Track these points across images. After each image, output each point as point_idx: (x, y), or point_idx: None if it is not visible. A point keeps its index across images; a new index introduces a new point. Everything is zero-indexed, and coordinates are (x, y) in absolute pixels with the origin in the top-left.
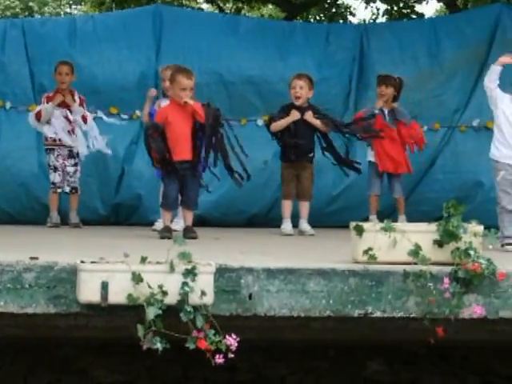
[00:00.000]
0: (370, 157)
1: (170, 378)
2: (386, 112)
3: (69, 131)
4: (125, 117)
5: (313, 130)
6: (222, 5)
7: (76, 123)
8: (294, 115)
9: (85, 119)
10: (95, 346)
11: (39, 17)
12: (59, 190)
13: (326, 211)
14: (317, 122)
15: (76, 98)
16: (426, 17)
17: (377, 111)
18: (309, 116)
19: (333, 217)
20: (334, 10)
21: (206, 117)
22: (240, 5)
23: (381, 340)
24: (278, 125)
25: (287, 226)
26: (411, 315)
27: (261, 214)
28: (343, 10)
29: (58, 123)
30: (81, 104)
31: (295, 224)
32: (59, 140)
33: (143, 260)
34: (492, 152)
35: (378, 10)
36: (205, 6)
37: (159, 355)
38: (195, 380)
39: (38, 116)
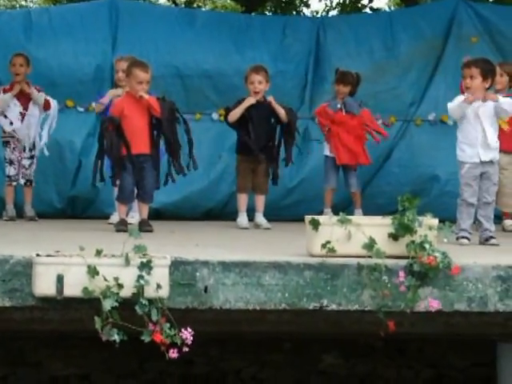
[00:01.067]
0: (326, 151)
1: (126, 371)
2: (342, 107)
3: (22, 121)
4: (81, 109)
5: (270, 123)
6: None
7: (31, 116)
8: (249, 100)
9: (48, 104)
10: (51, 338)
11: None
12: (14, 183)
13: (282, 204)
14: (279, 108)
15: (32, 89)
16: (382, 10)
17: (339, 105)
18: (272, 99)
19: (288, 210)
20: (287, 4)
21: (161, 111)
22: None
23: (336, 333)
24: (234, 113)
25: (243, 219)
26: (366, 308)
27: (216, 208)
28: (298, 4)
29: (13, 114)
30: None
31: (251, 217)
32: (14, 131)
33: (98, 253)
34: (458, 154)
35: (331, 2)
36: (162, 1)
37: (115, 348)
38: (151, 373)
39: None
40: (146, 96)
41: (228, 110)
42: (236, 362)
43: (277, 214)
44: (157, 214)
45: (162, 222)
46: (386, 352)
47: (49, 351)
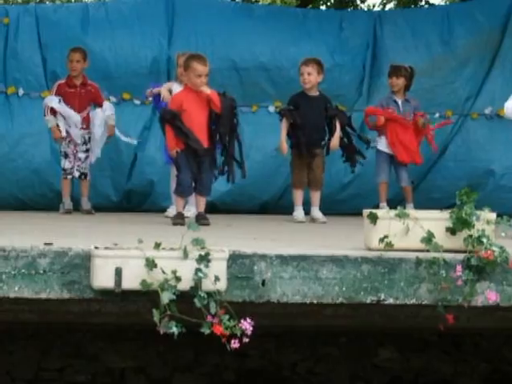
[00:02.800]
0: (381, 146)
1: (182, 364)
2: (400, 102)
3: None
4: (137, 102)
5: (324, 119)
6: None
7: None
8: (286, 124)
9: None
10: (108, 331)
11: (51, 3)
12: (70, 176)
13: (338, 198)
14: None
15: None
16: (438, 4)
17: (397, 101)
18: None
19: (344, 204)
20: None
21: (222, 107)
22: None
23: (392, 327)
24: (281, 135)
25: (299, 213)
26: (423, 302)
27: (272, 201)
28: None
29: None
30: (95, 92)
31: (307, 211)
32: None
33: (157, 246)
34: None
35: None
36: None
37: (171, 341)
38: (207, 366)
39: (51, 112)
40: (208, 90)
41: (281, 113)
42: (291, 356)
43: (332, 208)
44: (212, 208)
45: (217, 215)
46: (442, 346)
47: (105, 344)
